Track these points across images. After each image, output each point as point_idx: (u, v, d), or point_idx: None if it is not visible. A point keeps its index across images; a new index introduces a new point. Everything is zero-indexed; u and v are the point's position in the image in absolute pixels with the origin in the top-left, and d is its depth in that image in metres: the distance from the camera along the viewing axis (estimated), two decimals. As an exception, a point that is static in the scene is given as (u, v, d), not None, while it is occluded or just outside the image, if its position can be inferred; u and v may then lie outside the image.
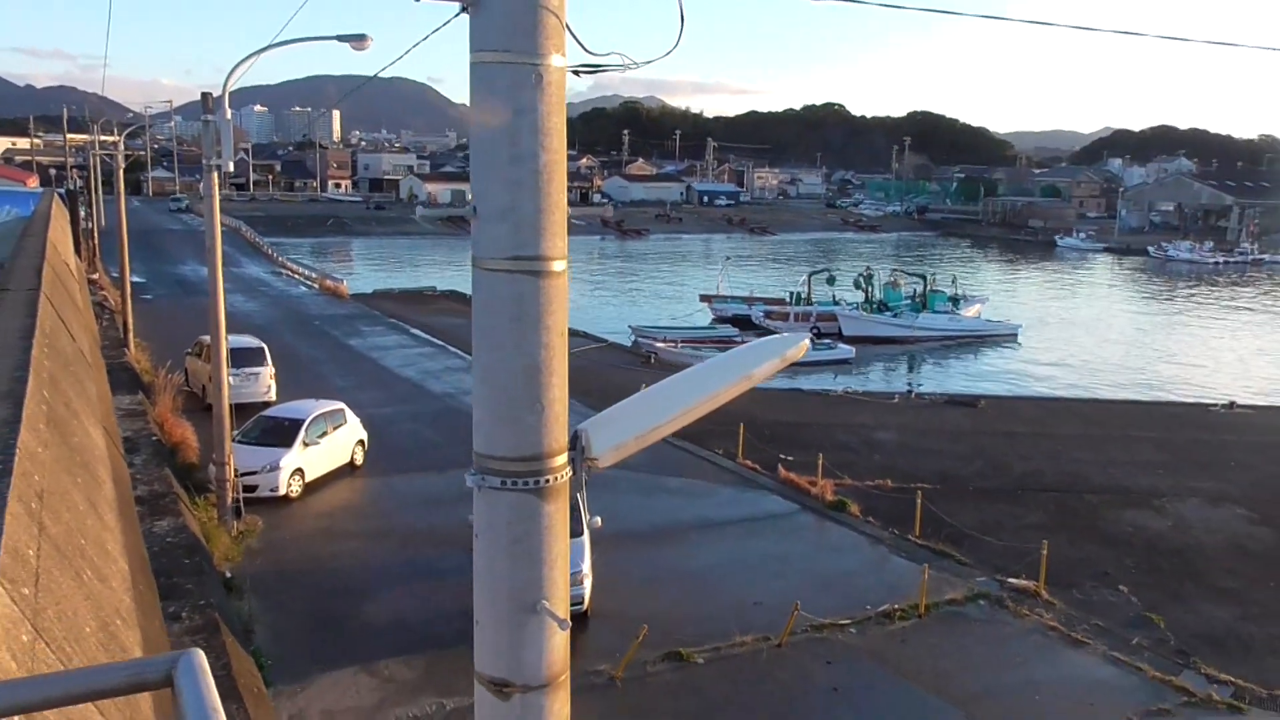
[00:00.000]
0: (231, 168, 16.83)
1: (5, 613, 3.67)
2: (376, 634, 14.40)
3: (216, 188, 16.81)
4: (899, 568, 18.12)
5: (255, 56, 16.75)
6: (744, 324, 51.76)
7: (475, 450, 3.47)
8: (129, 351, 29.10)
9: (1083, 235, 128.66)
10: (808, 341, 4.91)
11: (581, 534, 15.09)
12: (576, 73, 3.50)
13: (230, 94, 16.67)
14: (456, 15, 3.34)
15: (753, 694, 13.44)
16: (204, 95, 16.66)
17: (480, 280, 3.36)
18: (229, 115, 16.28)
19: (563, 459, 3.51)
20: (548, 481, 3.41)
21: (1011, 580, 17.52)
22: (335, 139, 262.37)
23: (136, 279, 43.99)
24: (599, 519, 15.62)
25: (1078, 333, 59.00)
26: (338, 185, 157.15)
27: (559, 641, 3.49)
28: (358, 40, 17.29)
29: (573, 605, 12.63)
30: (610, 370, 36.54)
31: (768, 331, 50.24)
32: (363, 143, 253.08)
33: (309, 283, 57.97)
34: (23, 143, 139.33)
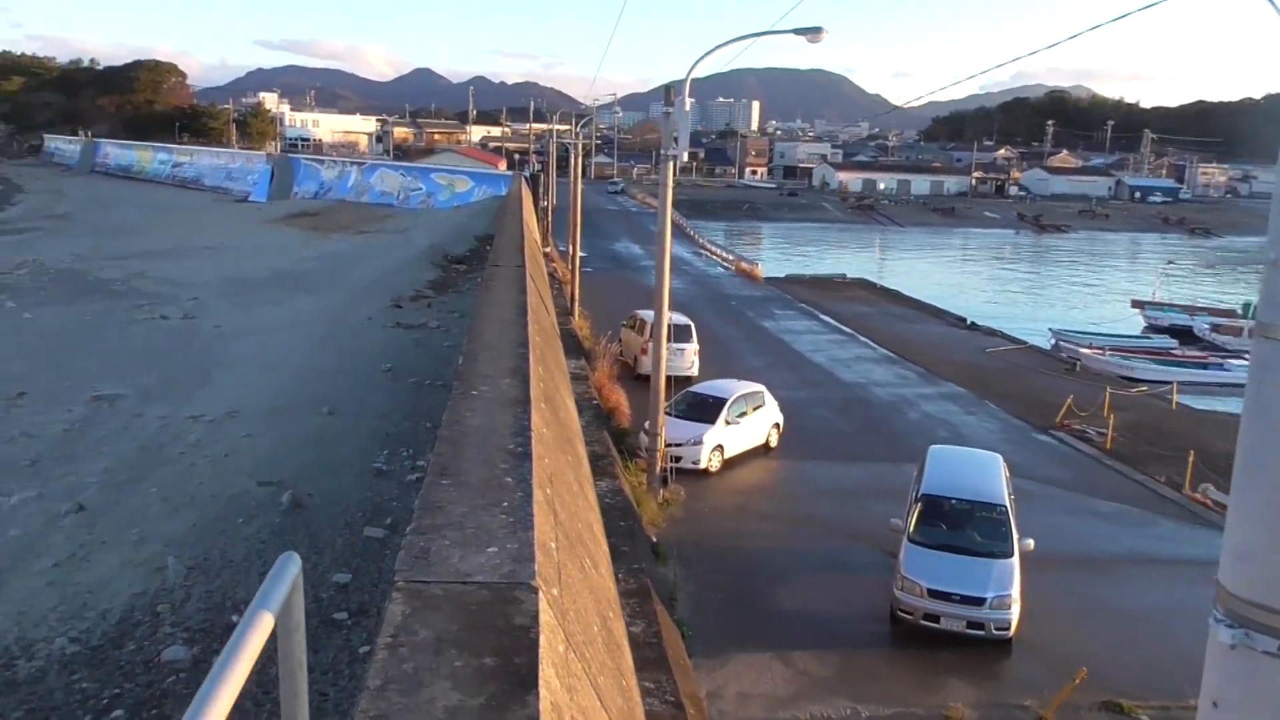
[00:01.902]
0: (685, 158, 17.82)
1: (546, 621, 3.64)
2: (789, 621, 14.63)
3: (670, 177, 17.91)
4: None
5: (715, 51, 17.56)
6: (1183, 335, 45.86)
7: (1226, 587, 2.60)
8: (573, 319, 32.14)
9: None
10: None
11: (1011, 555, 14.21)
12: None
13: (662, 86, 17.63)
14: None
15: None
16: (666, 89, 17.79)
17: (1271, 355, 2.48)
18: (688, 108, 17.22)
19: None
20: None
21: None
22: (754, 128, 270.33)
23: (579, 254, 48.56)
24: (1030, 541, 14.58)
25: None
26: (754, 172, 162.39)
27: None
28: (813, 33, 17.48)
29: (997, 631, 11.92)
30: (1029, 375, 34.17)
31: (1212, 346, 44.04)
32: (779, 132, 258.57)
33: (726, 264, 60.41)
34: (495, 131, 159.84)
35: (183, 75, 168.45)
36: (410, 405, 18.48)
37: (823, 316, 43.09)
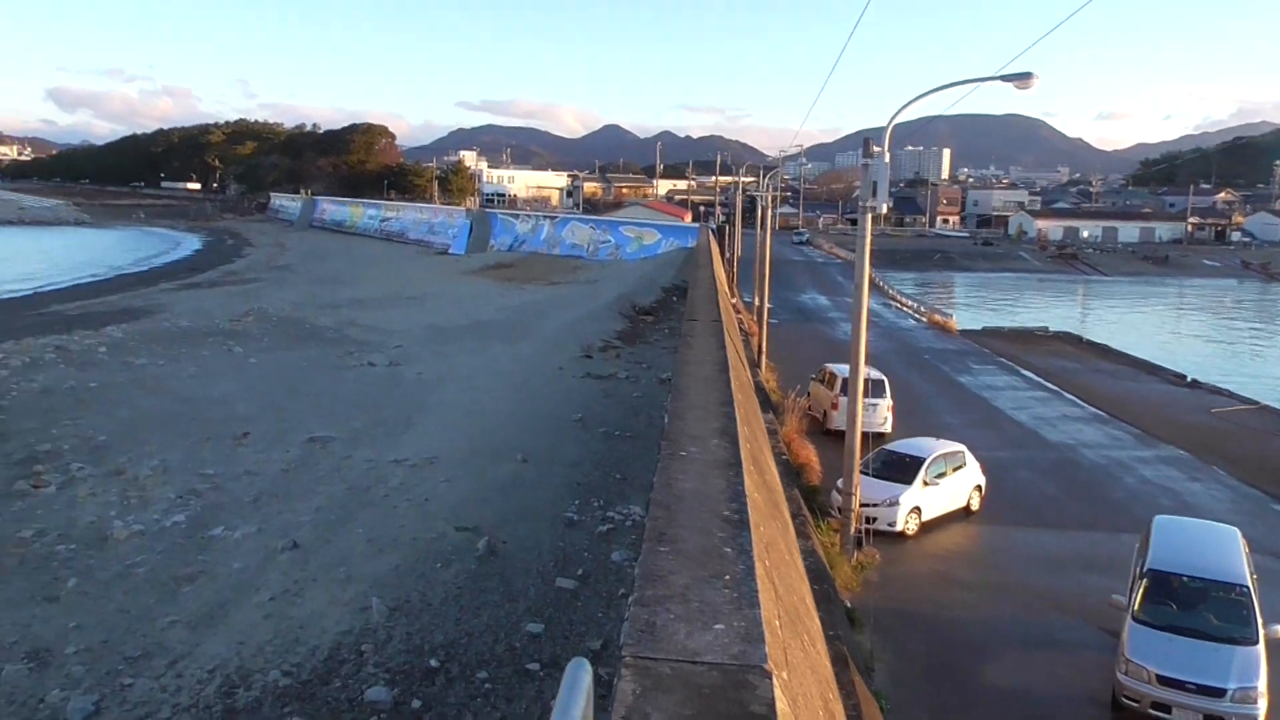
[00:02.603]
0: (884, 209, 17.28)
1: (783, 710, 3.42)
2: (996, 699, 13.59)
3: (869, 230, 17.39)
4: None
5: (916, 100, 17.03)
6: None
7: None
8: (760, 372, 31.77)
9: None
10: None
11: (1256, 642, 12.71)
12: None
13: (849, 135, 17.15)
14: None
15: None
16: (865, 142, 17.35)
17: None
18: (887, 159, 16.72)
19: None
20: None
21: None
22: (944, 176, 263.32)
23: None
24: (1279, 627, 13.01)
25: None
26: (945, 221, 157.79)
27: None
28: (1022, 80, 16.68)
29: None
30: (1264, 438, 31.08)
31: None
32: (971, 179, 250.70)
33: (917, 316, 58.55)
34: (681, 184, 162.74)
35: (392, 136, 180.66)
36: (600, 455, 18.61)
37: (1024, 372, 40.86)
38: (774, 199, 42.54)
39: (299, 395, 24.46)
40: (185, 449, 19.11)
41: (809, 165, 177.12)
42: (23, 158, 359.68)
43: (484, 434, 20.03)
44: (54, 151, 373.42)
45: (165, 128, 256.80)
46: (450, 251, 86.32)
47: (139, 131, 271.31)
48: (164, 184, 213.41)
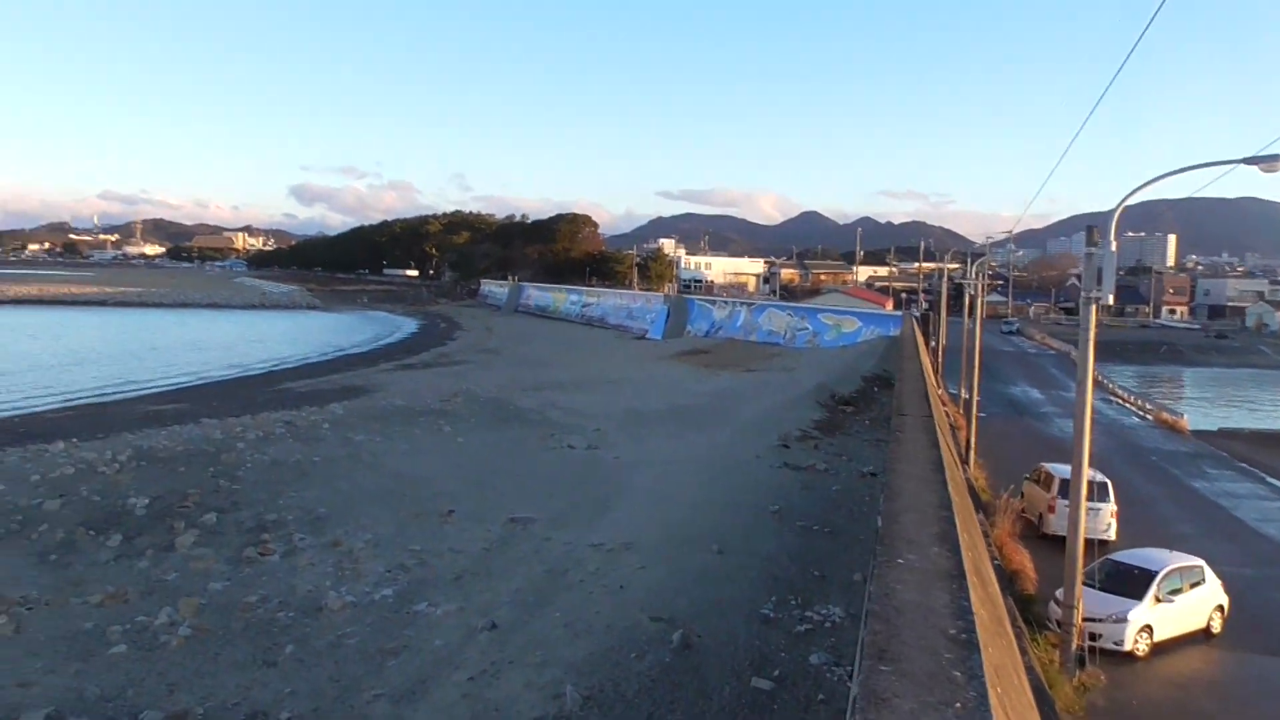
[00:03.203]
0: (1112, 300, 16.17)
1: None
2: None
3: (1093, 321, 16.28)
4: None
5: (1148, 185, 15.99)
6: None
7: None
8: (969, 469, 30.20)
9: None
10: None
11: None
12: None
13: (1062, 220, 16.15)
14: None
15: None
16: (1089, 229, 16.39)
17: None
18: (1114, 247, 15.70)
19: None
20: None
21: None
22: (1169, 263, 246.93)
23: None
24: None
25: None
26: (1172, 311, 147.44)
27: None
28: (1268, 162, 15.37)
29: None
30: None
31: None
32: (1200, 266, 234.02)
33: (1141, 413, 54.39)
34: (881, 271, 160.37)
35: (595, 225, 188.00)
36: (798, 550, 18.01)
37: (1271, 479, 36.92)
38: (983, 286, 40.92)
39: (501, 475, 25.19)
40: (395, 524, 19.97)
41: (1020, 252, 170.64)
42: (267, 248, 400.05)
43: (679, 521, 19.86)
44: (293, 242, 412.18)
45: (389, 219, 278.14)
46: (648, 336, 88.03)
47: (366, 222, 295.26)
48: (385, 270, 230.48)
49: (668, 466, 26.16)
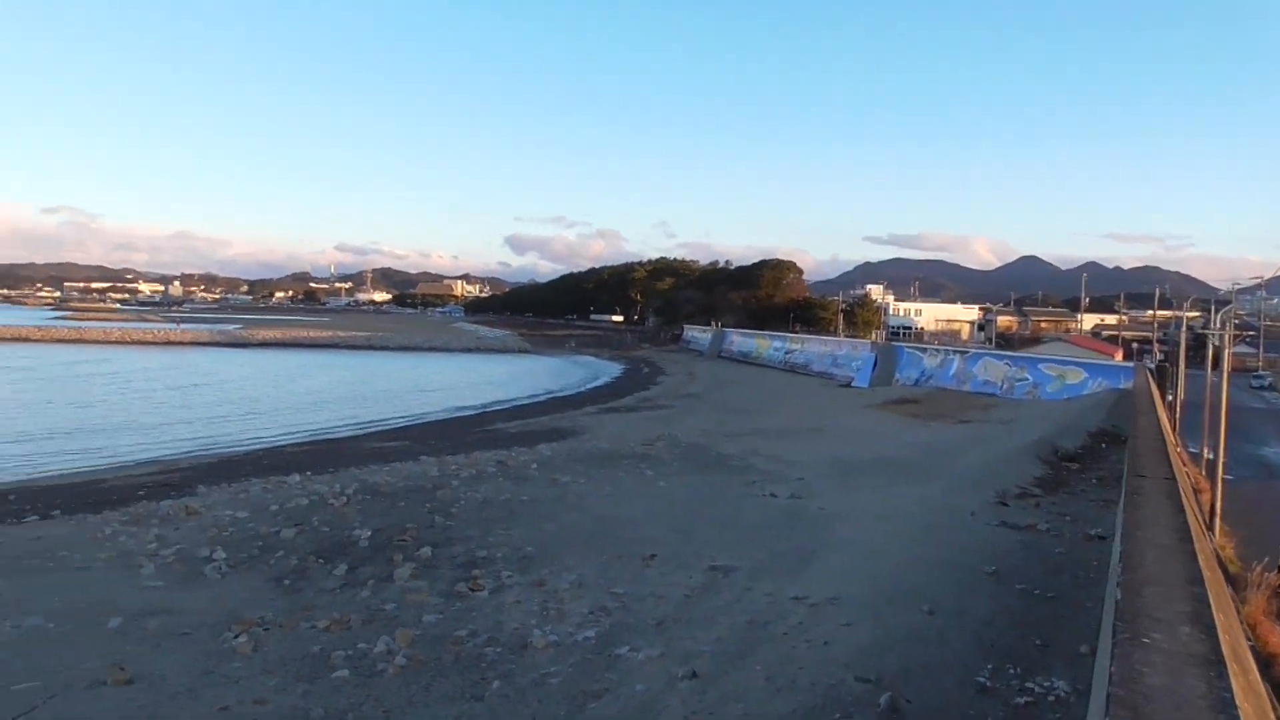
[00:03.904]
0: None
1: None
2: None
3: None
4: None
5: None
6: None
7: None
8: (1213, 536, 27.45)
9: None
10: None
11: None
12: None
13: None
14: None
15: None
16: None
17: None
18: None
19: None
20: None
21: None
22: None
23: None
24: None
25: None
26: None
27: None
28: None
29: None
30: None
31: None
32: None
33: None
34: (1109, 319, 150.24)
35: (799, 271, 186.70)
36: (1016, 615, 16.83)
37: None
38: (1230, 335, 37.29)
39: (703, 521, 25.08)
40: (598, 565, 20.20)
41: (1274, 300, 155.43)
42: (483, 294, 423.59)
43: (887, 577, 19.04)
44: (506, 288, 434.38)
45: (596, 266, 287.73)
46: (854, 384, 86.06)
47: (574, 269, 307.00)
48: (592, 316, 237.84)
49: (875, 519, 25.24)
